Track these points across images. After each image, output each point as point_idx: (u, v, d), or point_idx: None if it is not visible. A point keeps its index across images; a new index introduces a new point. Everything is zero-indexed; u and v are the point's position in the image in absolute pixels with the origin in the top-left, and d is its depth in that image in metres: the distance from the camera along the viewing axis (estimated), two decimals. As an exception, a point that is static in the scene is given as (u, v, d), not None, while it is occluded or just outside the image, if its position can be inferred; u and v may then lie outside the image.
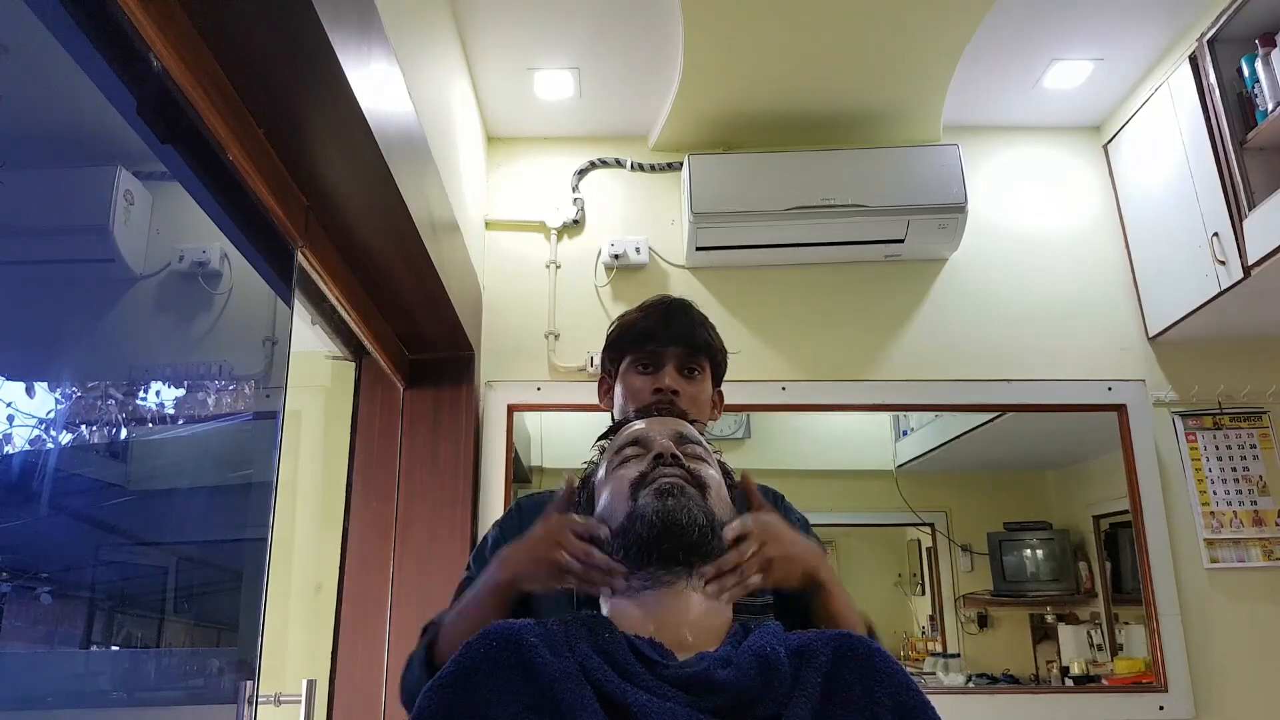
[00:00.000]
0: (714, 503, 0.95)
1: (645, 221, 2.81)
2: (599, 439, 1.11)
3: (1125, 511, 2.55)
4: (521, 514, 1.21)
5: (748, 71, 2.52)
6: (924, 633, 2.82)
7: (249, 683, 1.57)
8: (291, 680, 2.00)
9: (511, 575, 0.99)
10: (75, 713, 1.37)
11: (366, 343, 2.16)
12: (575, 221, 2.80)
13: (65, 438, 1.35)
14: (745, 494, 1.06)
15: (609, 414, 1.29)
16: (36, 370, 1.27)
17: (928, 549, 2.86)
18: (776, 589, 1.03)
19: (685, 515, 0.91)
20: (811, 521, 1.24)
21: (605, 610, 0.93)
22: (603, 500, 0.99)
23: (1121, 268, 2.76)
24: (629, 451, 1.00)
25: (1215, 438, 2.59)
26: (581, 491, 1.07)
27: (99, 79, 1.16)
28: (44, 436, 1.30)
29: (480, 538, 1.30)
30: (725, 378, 1.31)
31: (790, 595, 1.04)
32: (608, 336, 1.32)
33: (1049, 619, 2.71)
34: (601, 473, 1.03)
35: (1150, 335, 2.68)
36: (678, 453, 0.98)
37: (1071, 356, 2.67)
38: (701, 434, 1.08)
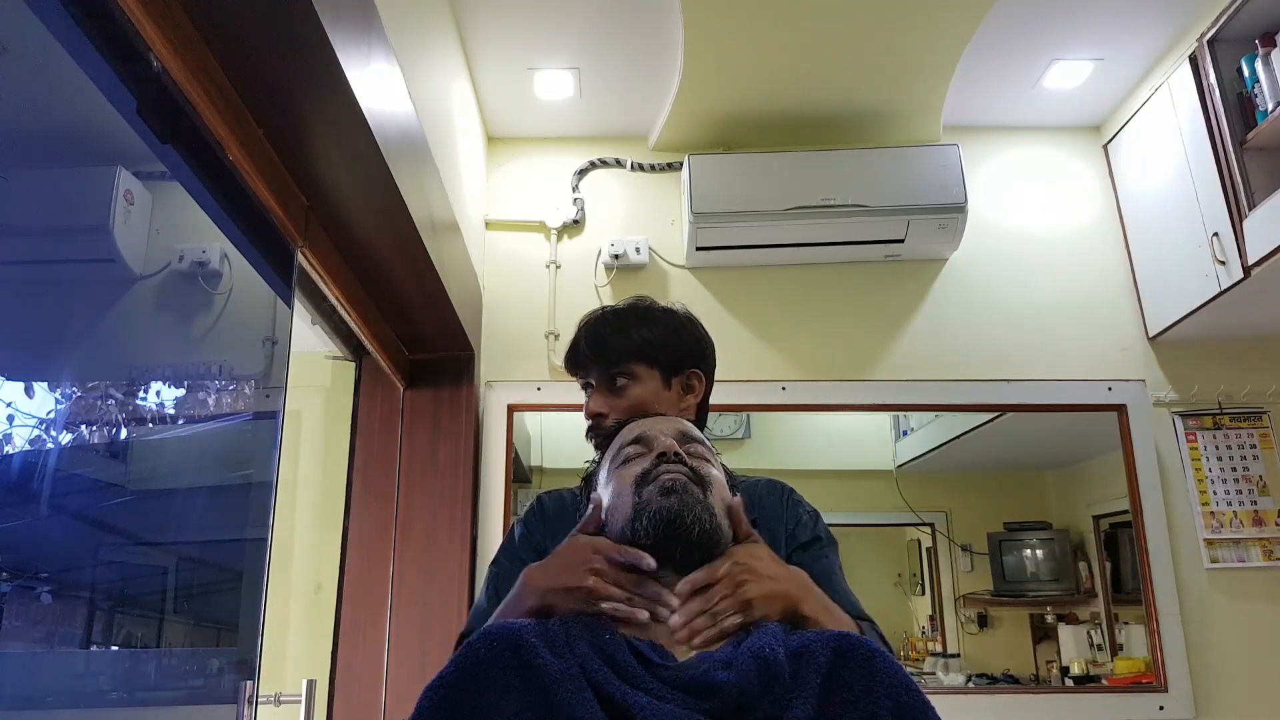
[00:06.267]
0: (715, 501, 0.95)
1: (645, 221, 2.81)
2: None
3: (1125, 511, 2.54)
4: (544, 511, 1.21)
5: (748, 71, 2.52)
6: (924, 633, 2.82)
7: (249, 683, 1.57)
8: (291, 680, 2.00)
9: (542, 604, 0.92)
10: (75, 713, 1.37)
11: (366, 343, 2.16)
12: (575, 221, 2.80)
13: (65, 438, 1.35)
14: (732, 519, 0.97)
15: None
16: (36, 370, 1.27)
17: (928, 549, 2.86)
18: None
19: (689, 513, 0.90)
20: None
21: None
22: (606, 499, 0.98)
23: (1121, 268, 2.76)
24: (630, 450, 1.00)
25: (1215, 438, 2.59)
26: (584, 491, 1.06)
27: (99, 79, 1.16)
28: (44, 436, 1.29)
29: (508, 529, 1.28)
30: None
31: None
32: None
33: (1049, 619, 2.71)
34: (604, 473, 1.03)
35: (1150, 335, 2.68)
36: (680, 451, 0.97)
37: (1071, 356, 2.67)
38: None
